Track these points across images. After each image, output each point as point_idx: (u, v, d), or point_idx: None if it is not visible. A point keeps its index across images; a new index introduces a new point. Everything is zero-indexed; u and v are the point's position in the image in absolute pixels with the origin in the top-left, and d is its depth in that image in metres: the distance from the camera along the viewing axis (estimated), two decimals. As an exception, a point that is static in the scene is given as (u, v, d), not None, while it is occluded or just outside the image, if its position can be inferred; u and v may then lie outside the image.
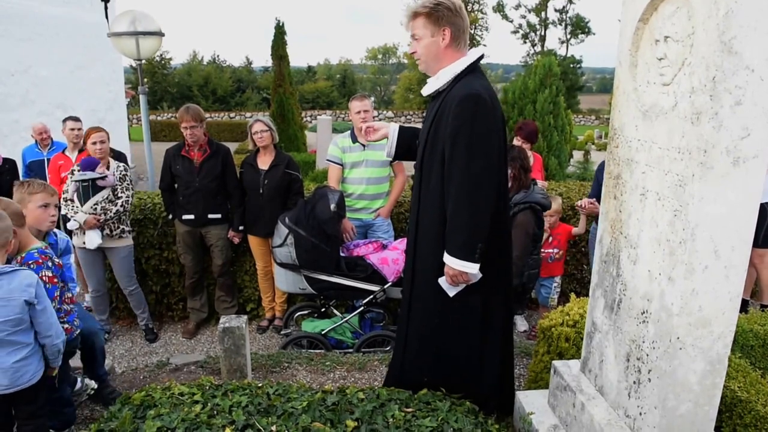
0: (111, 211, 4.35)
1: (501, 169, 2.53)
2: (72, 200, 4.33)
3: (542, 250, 4.53)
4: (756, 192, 1.64)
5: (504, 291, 2.66)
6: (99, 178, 4.32)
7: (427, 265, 2.59)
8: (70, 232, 4.51)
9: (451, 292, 2.51)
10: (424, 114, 2.80)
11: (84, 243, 4.34)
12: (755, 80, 1.53)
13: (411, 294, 2.70)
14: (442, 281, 2.50)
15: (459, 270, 2.41)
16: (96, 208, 4.31)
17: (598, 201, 4.68)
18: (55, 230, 3.16)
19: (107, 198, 4.36)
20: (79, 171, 4.34)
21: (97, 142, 4.38)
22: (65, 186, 4.40)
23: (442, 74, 2.52)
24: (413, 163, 3.00)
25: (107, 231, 4.39)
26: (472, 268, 2.40)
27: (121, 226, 4.47)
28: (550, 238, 4.57)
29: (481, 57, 2.54)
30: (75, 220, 4.28)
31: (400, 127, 2.91)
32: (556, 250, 4.59)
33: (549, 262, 4.59)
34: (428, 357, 2.66)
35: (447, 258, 2.44)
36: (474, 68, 2.51)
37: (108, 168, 4.45)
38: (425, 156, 2.59)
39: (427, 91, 2.62)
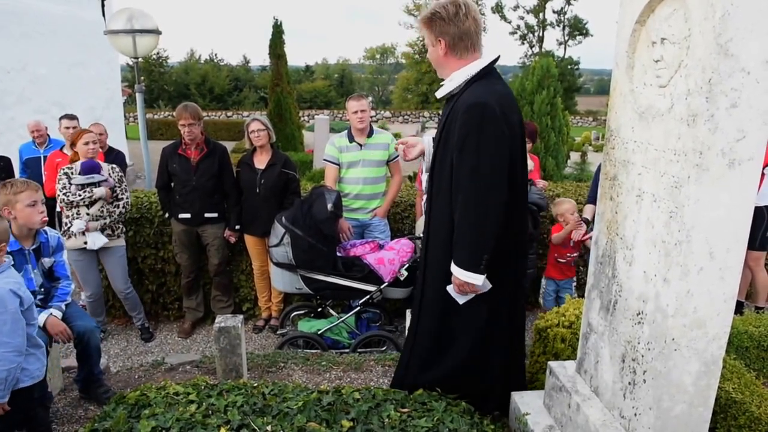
0: (115, 213, 4.38)
1: (517, 174, 2.46)
2: (77, 205, 4.30)
3: (567, 255, 4.53)
4: (751, 194, 1.64)
5: (511, 294, 2.62)
6: (102, 181, 4.34)
7: (435, 273, 2.57)
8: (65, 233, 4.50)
9: (461, 300, 2.49)
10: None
11: (85, 243, 4.31)
12: (751, 82, 1.54)
13: (422, 299, 2.69)
14: (450, 289, 2.48)
15: (464, 281, 2.39)
16: (103, 211, 4.33)
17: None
18: (46, 228, 3.15)
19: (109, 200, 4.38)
20: (78, 174, 4.33)
21: (89, 143, 4.36)
22: (63, 191, 4.30)
23: (455, 77, 2.49)
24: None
25: (108, 232, 4.39)
26: (478, 280, 2.37)
27: (120, 226, 4.50)
28: (571, 242, 4.53)
29: (495, 60, 2.49)
30: (77, 226, 4.27)
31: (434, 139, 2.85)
32: (576, 254, 4.59)
33: (573, 266, 4.61)
34: (434, 358, 2.66)
35: (453, 268, 2.42)
36: (488, 72, 2.46)
37: (105, 160, 4.46)
38: (436, 161, 2.55)
39: (440, 93, 2.59)
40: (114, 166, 4.58)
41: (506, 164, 2.36)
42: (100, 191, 4.29)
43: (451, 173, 2.42)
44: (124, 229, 4.60)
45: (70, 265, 3.36)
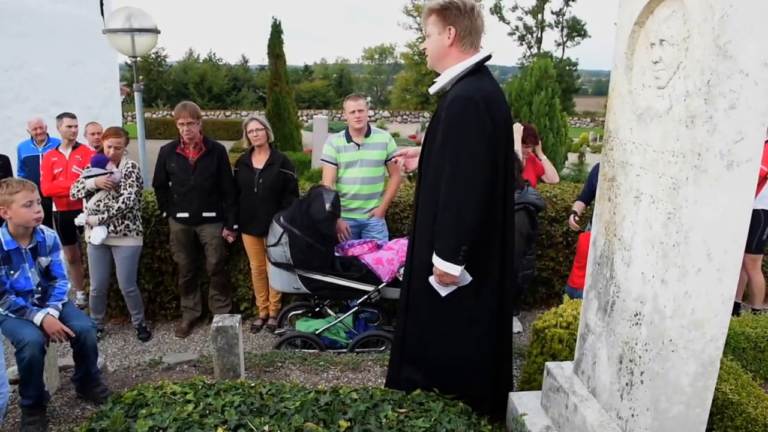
0: (113, 208, 4.35)
1: (498, 171, 2.46)
2: (78, 197, 4.40)
3: None
4: (749, 195, 1.64)
5: (496, 292, 2.62)
6: (104, 174, 4.34)
7: (421, 264, 2.59)
8: (80, 227, 4.56)
9: (443, 292, 2.51)
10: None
11: (89, 238, 4.37)
12: (749, 84, 1.54)
13: (408, 292, 2.71)
14: (432, 280, 2.50)
15: (444, 271, 2.41)
16: (99, 205, 4.33)
17: (587, 203, 4.70)
18: (42, 227, 3.15)
19: (110, 195, 4.37)
20: (89, 168, 4.41)
21: (113, 147, 4.40)
22: (78, 187, 4.40)
23: (446, 74, 2.53)
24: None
25: (111, 227, 4.39)
26: (455, 270, 2.39)
27: (126, 222, 4.43)
28: None
29: (487, 58, 2.51)
30: (78, 219, 4.40)
31: None
32: None
33: None
34: (422, 356, 2.66)
35: (434, 258, 2.44)
36: (479, 69, 2.49)
37: (118, 165, 4.47)
38: (423, 155, 2.61)
39: (433, 89, 2.64)
40: (130, 162, 4.55)
41: (487, 158, 2.37)
42: (89, 183, 4.32)
43: (437, 168, 2.45)
44: (139, 229, 4.55)
45: (68, 264, 3.36)
